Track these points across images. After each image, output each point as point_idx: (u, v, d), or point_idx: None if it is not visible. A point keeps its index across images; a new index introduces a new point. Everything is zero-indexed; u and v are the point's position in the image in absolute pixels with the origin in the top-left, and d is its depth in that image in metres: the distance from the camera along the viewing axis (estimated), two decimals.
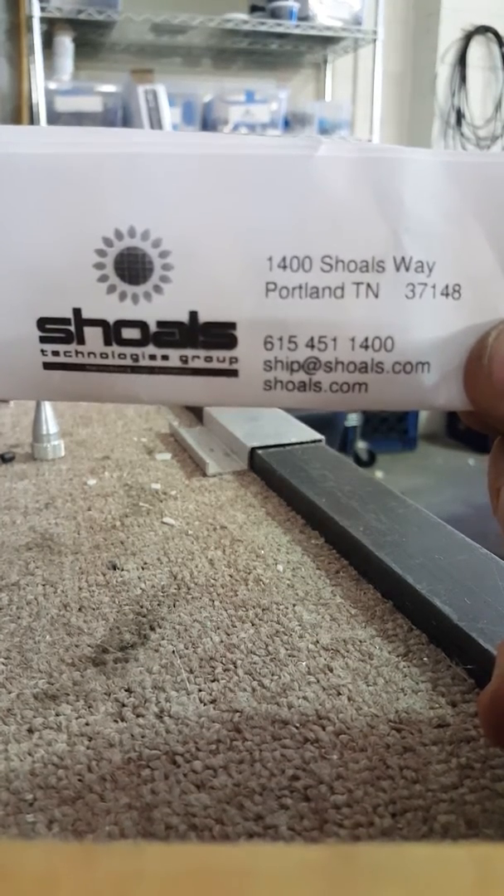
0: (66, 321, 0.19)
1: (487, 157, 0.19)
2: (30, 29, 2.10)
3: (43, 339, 0.19)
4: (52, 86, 2.18)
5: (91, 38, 2.30)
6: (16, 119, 2.29)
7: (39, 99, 2.14)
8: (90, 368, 0.20)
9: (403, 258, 0.19)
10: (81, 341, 0.19)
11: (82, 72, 2.36)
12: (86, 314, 0.19)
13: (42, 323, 0.19)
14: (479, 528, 0.54)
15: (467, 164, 0.19)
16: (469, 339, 0.19)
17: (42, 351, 0.19)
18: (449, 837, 0.21)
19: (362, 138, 2.62)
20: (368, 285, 0.19)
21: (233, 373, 0.19)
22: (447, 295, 0.19)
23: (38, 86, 2.13)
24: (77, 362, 0.20)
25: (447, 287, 0.19)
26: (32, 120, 2.21)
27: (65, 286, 0.19)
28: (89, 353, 0.19)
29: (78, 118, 2.19)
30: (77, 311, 0.19)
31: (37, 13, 2.06)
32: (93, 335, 0.19)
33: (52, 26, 2.17)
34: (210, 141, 0.18)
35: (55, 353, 0.19)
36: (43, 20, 2.10)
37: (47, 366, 0.20)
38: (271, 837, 0.22)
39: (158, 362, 0.19)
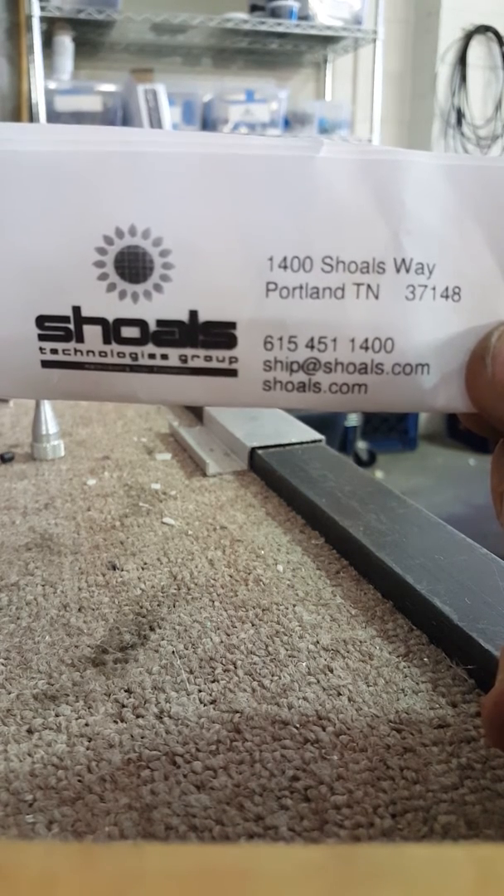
0: (65, 319, 0.19)
1: (488, 160, 0.19)
2: (30, 28, 2.10)
3: (42, 338, 0.19)
4: (52, 85, 2.17)
5: (91, 38, 2.30)
6: (15, 119, 2.29)
7: (39, 98, 2.14)
8: (89, 367, 0.20)
9: (404, 260, 0.19)
10: (80, 340, 0.19)
11: (82, 71, 2.36)
12: (85, 312, 0.19)
13: (41, 321, 0.19)
14: (479, 528, 0.54)
15: (468, 168, 0.19)
16: (469, 342, 0.19)
17: (41, 349, 0.19)
18: (449, 838, 0.21)
19: (362, 138, 2.62)
20: (369, 286, 0.19)
21: (232, 373, 0.19)
22: (447, 297, 0.19)
23: (38, 85, 2.13)
24: (76, 361, 0.20)
25: (447, 289, 0.19)
26: (32, 119, 2.20)
27: (64, 284, 0.19)
28: (88, 352, 0.19)
29: (78, 118, 2.19)
30: (76, 310, 0.19)
31: (37, 12, 2.06)
32: (92, 333, 0.19)
33: (51, 26, 2.17)
34: (212, 140, 0.18)
35: (54, 352, 0.19)
36: (43, 20, 2.09)
37: (46, 364, 0.20)
38: (271, 838, 0.22)
39: (158, 361, 0.19)
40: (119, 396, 0.20)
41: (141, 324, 0.19)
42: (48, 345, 0.19)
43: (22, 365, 0.20)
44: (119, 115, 2.25)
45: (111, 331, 0.19)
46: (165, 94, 2.20)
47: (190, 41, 2.41)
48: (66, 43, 2.22)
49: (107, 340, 0.19)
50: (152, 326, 0.19)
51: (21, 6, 2.20)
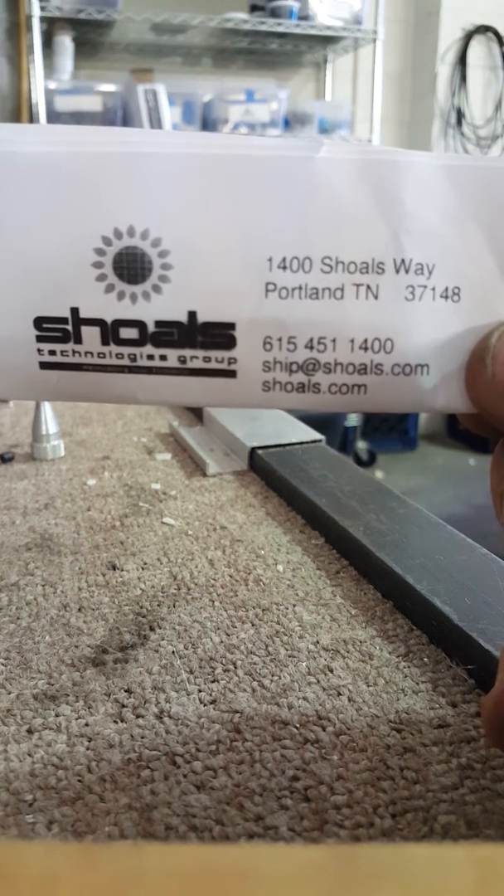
0: (63, 320, 0.19)
1: (488, 160, 0.19)
2: (30, 28, 2.10)
3: (40, 339, 0.19)
4: (52, 85, 2.17)
5: (91, 38, 2.30)
6: (15, 119, 2.29)
7: (39, 98, 2.14)
8: (87, 368, 0.20)
9: (403, 260, 0.19)
10: (79, 341, 0.19)
11: (82, 71, 2.36)
12: (83, 313, 0.19)
13: (39, 322, 0.19)
14: (479, 528, 0.54)
15: (468, 168, 0.19)
16: (468, 342, 0.19)
17: (39, 350, 0.19)
18: (449, 838, 0.21)
19: (362, 138, 2.62)
20: (368, 287, 0.19)
21: (231, 373, 0.19)
22: (447, 297, 0.19)
23: (38, 85, 2.13)
24: (74, 362, 0.20)
25: (447, 289, 0.19)
26: (32, 119, 2.20)
27: (63, 285, 0.19)
28: (86, 353, 0.19)
29: (78, 118, 2.19)
30: (75, 311, 0.19)
31: (37, 12, 2.06)
32: (90, 335, 0.19)
33: (51, 26, 2.17)
34: (211, 141, 0.18)
35: (52, 353, 0.19)
36: (43, 19, 2.09)
37: (44, 365, 0.20)
38: (271, 838, 0.22)
39: (156, 362, 0.19)
40: (118, 398, 0.20)
41: (139, 325, 0.19)
42: (46, 346, 0.19)
43: (20, 366, 0.20)
44: (119, 115, 2.25)
45: (109, 332, 0.19)
46: (165, 94, 2.20)
47: (190, 41, 2.41)
48: (66, 43, 2.22)
49: (105, 341, 0.19)
50: (151, 327, 0.19)
51: (21, 6, 2.20)
